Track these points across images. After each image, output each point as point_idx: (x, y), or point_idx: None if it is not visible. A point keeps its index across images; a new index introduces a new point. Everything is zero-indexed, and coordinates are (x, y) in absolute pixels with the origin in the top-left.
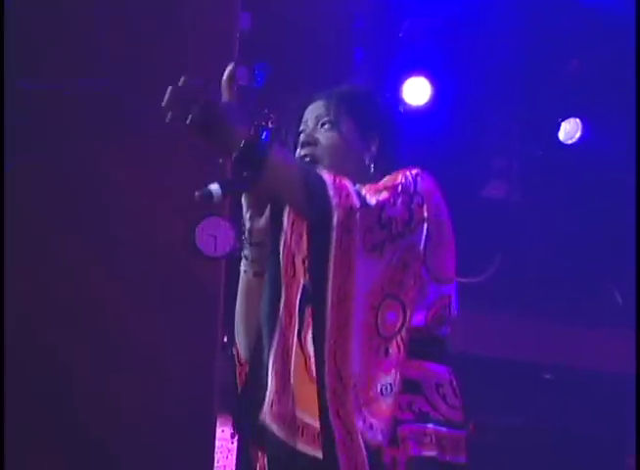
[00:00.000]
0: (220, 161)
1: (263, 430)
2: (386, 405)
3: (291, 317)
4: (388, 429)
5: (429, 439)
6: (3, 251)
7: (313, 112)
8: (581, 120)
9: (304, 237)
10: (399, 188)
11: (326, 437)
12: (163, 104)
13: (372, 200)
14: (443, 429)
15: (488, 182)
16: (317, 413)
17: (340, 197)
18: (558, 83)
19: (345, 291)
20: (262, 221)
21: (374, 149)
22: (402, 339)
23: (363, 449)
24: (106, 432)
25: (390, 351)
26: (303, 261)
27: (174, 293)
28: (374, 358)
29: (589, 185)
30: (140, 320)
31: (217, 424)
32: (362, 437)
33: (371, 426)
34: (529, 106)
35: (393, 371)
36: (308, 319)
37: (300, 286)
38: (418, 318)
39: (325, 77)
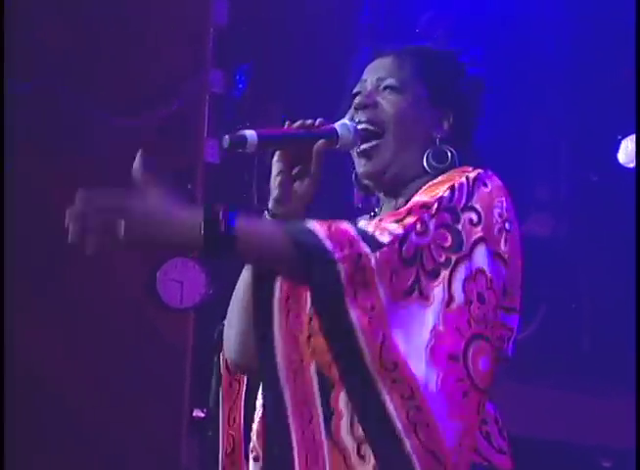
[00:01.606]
0: (189, 185)
1: None
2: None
3: (311, 415)
4: None
5: None
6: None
7: (375, 71)
8: None
9: (305, 312)
10: (436, 206)
11: None
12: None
13: (384, 236)
14: None
15: (530, 215)
16: None
17: (341, 247)
18: (616, 92)
19: (390, 357)
20: (296, 186)
21: (446, 126)
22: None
23: None
24: None
25: (486, 405)
26: (308, 339)
27: (131, 354)
28: (474, 416)
29: None
30: (88, 390)
31: None
32: None
33: None
34: (581, 120)
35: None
36: (336, 408)
37: (313, 371)
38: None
39: (322, 83)
